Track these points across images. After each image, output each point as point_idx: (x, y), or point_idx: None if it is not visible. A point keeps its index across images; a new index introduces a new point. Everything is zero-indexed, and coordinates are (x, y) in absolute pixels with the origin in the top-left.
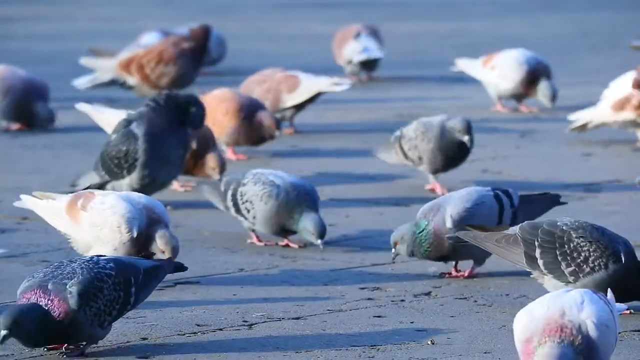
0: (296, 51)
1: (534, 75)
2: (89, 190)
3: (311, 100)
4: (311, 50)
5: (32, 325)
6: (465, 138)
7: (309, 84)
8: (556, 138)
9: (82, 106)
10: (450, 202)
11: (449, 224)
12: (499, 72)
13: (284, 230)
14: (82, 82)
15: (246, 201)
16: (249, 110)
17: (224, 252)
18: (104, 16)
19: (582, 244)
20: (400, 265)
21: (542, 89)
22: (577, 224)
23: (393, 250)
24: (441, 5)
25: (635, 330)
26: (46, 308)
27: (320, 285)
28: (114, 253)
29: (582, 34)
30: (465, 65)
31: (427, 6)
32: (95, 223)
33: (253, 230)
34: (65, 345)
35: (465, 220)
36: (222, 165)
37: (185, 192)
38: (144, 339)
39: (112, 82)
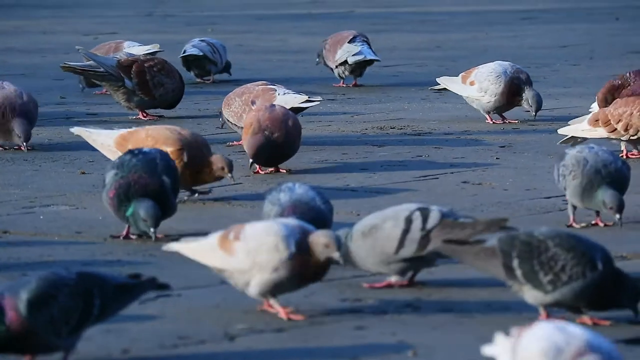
0: (275, 64)
1: (515, 85)
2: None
3: None
4: (291, 62)
5: None
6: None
7: (283, 100)
8: (536, 149)
9: (76, 130)
10: (364, 219)
11: (348, 239)
12: (478, 86)
13: None
14: (73, 63)
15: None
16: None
17: (205, 265)
18: (84, 30)
19: (559, 253)
20: (381, 277)
21: (528, 99)
22: (554, 233)
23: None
24: (420, 18)
25: (622, 341)
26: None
27: (302, 298)
28: (274, 275)
29: (561, 45)
30: (446, 82)
31: (407, 18)
32: (250, 249)
33: None
34: (29, 356)
35: (360, 239)
36: (230, 164)
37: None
38: (125, 351)
39: (107, 75)
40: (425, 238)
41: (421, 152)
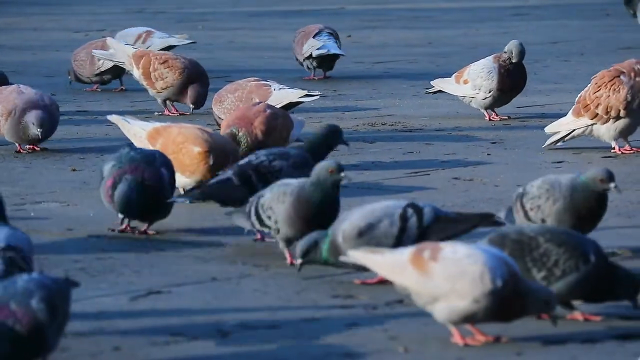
0: (267, 61)
1: (505, 69)
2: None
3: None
4: (282, 59)
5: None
6: (612, 185)
7: (280, 95)
8: (527, 145)
9: (112, 117)
10: (350, 216)
11: (339, 238)
12: (472, 84)
13: (310, 227)
14: (98, 52)
15: (267, 208)
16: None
17: (196, 261)
18: (74, 27)
19: (550, 248)
20: (372, 274)
21: (512, 46)
22: (544, 228)
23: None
24: (412, 14)
25: (613, 336)
26: (13, 325)
27: (294, 294)
28: (474, 306)
29: (552, 41)
30: (440, 84)
31: (398, 15)
32: (450, 274)
33: (287, 247)
34: None
35: (355, 238)
36: None
37: None
38: (117, 348)
39: (122, 64)
40: (422, 235)
41: (412, 148)
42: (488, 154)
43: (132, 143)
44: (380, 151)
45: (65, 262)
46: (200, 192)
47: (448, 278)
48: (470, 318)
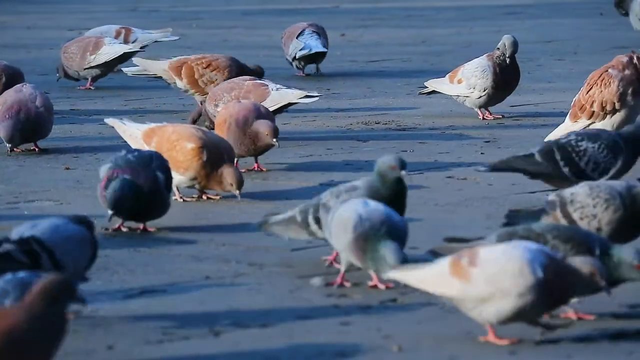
0: (261, 60)
1: (501, 67)
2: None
3: (279, 110)
4: (277, 58)
5: None
6: None
7: (279, 96)
8: (521, 144)
9: (110, 120)
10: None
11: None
12: (466, 83)
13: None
14: (130, 69)
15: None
16: (245, 120)
17: (190, 260)
18: (68, 25)
19: (557, 245)
20: (365, 273)
21: (504, 40)
22: (551, 226)
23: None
24: (405, 13)
25: (607, 335)
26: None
27: (287, 293)
28: (520, 301)
29: (546, 40)
30: (434, 85)
31: (392, 14)
32: (490, 275)
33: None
34: None
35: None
36: (239, 181)
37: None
38: (111, 347)
39: (159, 78)
40: None
41: (406, 147)
42: (482, 153)
43: (129, 146)
44: (374, 150)
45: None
46: (503, 162)
47: (489, 279)
48: (519, 314)
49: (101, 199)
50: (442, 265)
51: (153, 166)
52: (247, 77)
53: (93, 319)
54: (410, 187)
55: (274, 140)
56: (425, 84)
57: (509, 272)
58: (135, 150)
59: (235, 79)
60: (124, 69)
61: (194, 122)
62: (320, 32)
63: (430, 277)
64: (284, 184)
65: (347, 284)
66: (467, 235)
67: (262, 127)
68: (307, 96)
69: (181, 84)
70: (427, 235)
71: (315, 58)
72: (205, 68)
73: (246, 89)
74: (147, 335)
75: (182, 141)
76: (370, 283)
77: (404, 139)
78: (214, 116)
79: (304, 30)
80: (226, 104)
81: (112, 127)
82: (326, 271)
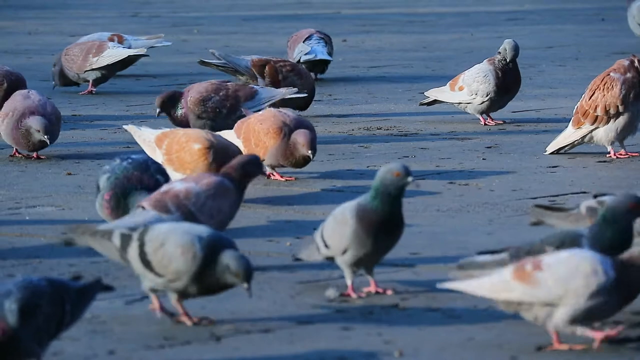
0: None
1: (502, 70)
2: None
3: (275, 105)
4: None
5: None
6: None
7: (268, 93)
8: (522, 150)
9: (129, 127)
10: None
11: None
12: (468, 89)
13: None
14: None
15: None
16: (289, 130)
17: None
18: (69, 31)
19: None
20: (366, 278)
21: (505, 44)
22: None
23: None
24: (407, 18)
25: (608, 341)
26: None
27: (288, 298)
28: (594, 301)
29: (547, 46)
30: (435, 94)
31: (393, 19)
32: (560, 277)
33: None
34: None
35: None
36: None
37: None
38: (111, 352)
39: (236, 72)
40: None
41: (408, 152)
42: (483, 159)
43: (122, 154)
44: (376, 155)
45: (60, 266)
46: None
47: (559, 281)
48: (593, 315)
49: (106, 211)
50: (503, 273)
51: (152, 170)
52: (226, 80)
53: (94, 324)
54: (411, 193)
55: (310, 152)
56: (426, 93)
57: (581, 272)
58: (128, 157)
59: (214, 80)
60: (210, 50)
61: (163, 104)
62: (327, 40)
63: (492, 286)
64: (285, 190)
65: (363, 295)
66: (468, 240)
67: (300, 137)
68: (288, 92)
69: (263, 83)
70: (428, 241)
71: (318, 66)
72: (290, 71)
73: (234, 88)
74: (148, 340)
75: (191, 142)
76: (367, 289)
77: (405, 145)
78: (208, 110)
79: (311, 35)
80: (274, 113)
81: (116, 133)
82: (329, 275)
